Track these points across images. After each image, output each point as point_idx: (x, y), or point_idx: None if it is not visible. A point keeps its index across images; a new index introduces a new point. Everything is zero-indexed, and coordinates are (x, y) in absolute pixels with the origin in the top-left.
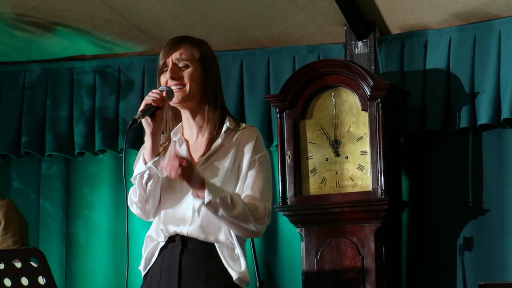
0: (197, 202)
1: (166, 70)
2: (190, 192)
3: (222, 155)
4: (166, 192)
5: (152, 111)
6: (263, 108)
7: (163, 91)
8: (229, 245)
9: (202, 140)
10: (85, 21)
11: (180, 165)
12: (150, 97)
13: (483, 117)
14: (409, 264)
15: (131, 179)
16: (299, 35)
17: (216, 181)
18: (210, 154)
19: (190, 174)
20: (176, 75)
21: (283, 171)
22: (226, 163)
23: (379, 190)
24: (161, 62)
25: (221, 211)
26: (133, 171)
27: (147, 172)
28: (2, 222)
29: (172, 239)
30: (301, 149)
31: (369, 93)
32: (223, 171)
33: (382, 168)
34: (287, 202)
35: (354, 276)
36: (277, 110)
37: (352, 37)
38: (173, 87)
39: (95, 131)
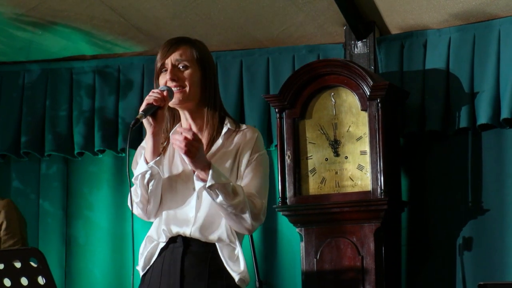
0: (198, 185)
1: (165, 71)
2: (192, 190)
3: (223, 155)
4: (167, 192)
5: (153, 111)
6: (263, 108)
7: (163, 90)
8: (230, 245)
9: (202, 140)
10: (85, 21)
11: (187, 139)
12: (151, 97)
13: (483, 117)
14: (409, 264)
15: (132, 179)
16: (298, 35)
17: None
18: (211, 155)
19: (195, 151)
20: (176, 77)
21: (283, 171)
22: (227, 163)
23: (379, 190)
24: (159, 63)
25: (220, 198)
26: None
27: (149, 172)
28: (5, 223)
29: (174, 240)
30: (300, 149)
31: (368, 93)
32: (225, 171)
33: (381, 168)
34: (286, 202)
35: (353, 276)
36: (276, 110)
37: (352, 37)
38: (173, 89)
39: (94, 131)
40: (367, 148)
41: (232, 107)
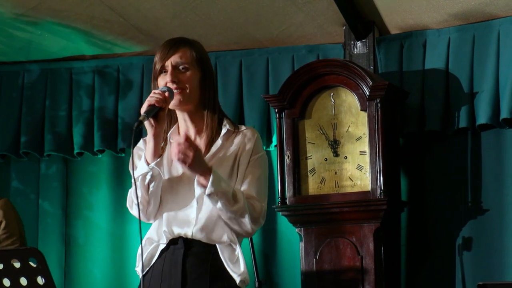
0: (198, 190)
1: (165, 73)
2: (192, 191)
3: (223, 157)
4: (168, 194)
5: (155, 112)
6: (262, 108)
7: (164, 91)
8: (230, 245)
9: (201, 142)
10: (85, 21)
11: (180, 147)
12: (153, 98)
13: (482, 117)
14: (408, 264)
15: (132, 181)
16: (298, 35)
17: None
18: (211, 156)
19: (196, 160)
20: (177, 79)
21: (282, 171)
22: (227, 165)
23: (378, 190)
24: (159, 65)
25: (219, 204)
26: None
27: (149, 173)
28: (4, 222)
29: (174, 241)
30: (300, 149)
31: (368, 93)
32: (224, 173)
33: (381, 168)
34: (286, 202)
35: (353, 276)
36: (276, 110)
37: (351, 37)
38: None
39: (94, 131)
40: (366, 148)
41: (231, 107)
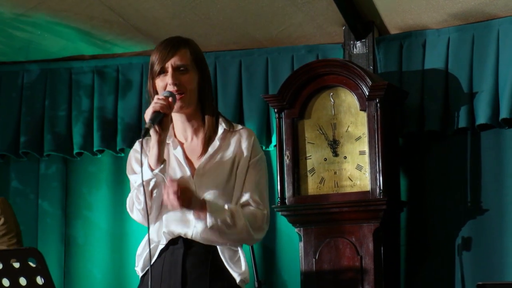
0: (199, 225)
1: (164, 74)
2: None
3: (221, 159)
4: None
5: (160, 119)
6: (262, 108)
7: (168, 97)
8: (231, 247)
9: (198, 141)
10: (84, 21)
11: (177, 195)
12: (157, 104)
13: (482, 117)
14: (408, 264)
15: (137, 186)
16: (297, 35)
17: (219, 182)
18: (209, 157)
19: (189, 201)
20: (178, 81)
21: (282, 171)
22: (225, 167)
23: (378, 190)
24: (158, 66)
25: (223, 233)
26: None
27: (153, 180)
28: (2, 218)
29: (174, 241)
30: (299, 149)
31: (367, 93)
32: (224, 172)
33: (380, 168)
34: (285, 202)
35: (352, 276)
36: (275, 110)
37: (351, 37)
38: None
39: (93, 131)
40: (366, 148)
41: (231, 107)
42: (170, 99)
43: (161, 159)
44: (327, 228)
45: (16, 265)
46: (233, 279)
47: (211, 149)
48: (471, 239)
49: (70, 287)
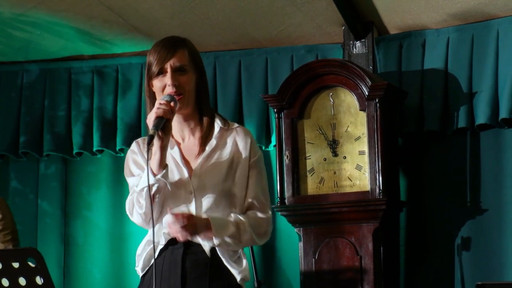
0: (208, 244)
1: (162, 75)
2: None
3: (219, 155)
4: (170, 199)
5: (163, 124)
6: (261, 108)
7: (169, 101)
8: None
9: (195, 140)
10: (83, 21)
11: (185, 228)
12: (160, 110)
13: (481, 117)
14: (407, 264)
15: (138, 190)
16: (297, 35)
17: (216, 182)
18: (206, 156)
19: (195, 227)
20: (177, 82)
21: (281, 171)
22: (223, 164)
23: (377, 190)
24: (156, 67)
25: (229, 246)
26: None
27: (156, 185)
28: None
29: (173, 241)
30: (299, 149)
31: (367, 93)
32: (221, 173)
33: (380, 168)
34: (285, 202)
35: (352, 276)
36: (275, 110)
37: (350, 37)
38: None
39: (93, 131)
40: (365, 148)
41: (230, 107)
42: (172, 103)
43: (163, 164)
44: (326, 228)
45: (16, 265)
46: (233, 278)
47: (208, 148)
48: (470, 239)
49: (69, 287)
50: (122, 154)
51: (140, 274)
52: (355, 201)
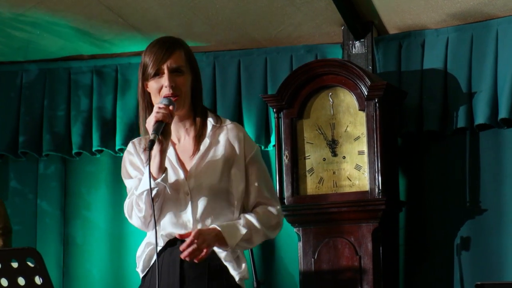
0: (223, 252)
1: (159, 76)
2: (185, 195)
3: (213, 154)
4: (170, 201)
5: (163, 128)
6: (261, 108)
7: (168, 105)
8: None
9: (189, 140)
10: (83, 21)
11: (197, 246)
12: (159, 114)
13: (481, 117)
14: (407, 264)
15: (138, 194)
16: (296, 35)
17: (212, 183)
18: (201, 156)
19: (209, 241)
20: (174, 83)
21: (281, 171)
22: (218, 163)
23: (377, 190)
24: (153, 68)
25: (245, 248)
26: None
27: (156, 189)
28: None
29: (172, 242)
30: (298, 149)
31: (366, 93)
32: (217, 172)
33: (379, 168)
34: (284, 202)
35: (351, 276)
36: (274, 110)
37: (350, 37)
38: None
39: (92, 131)
40: (365, 148)
41: (230, 107)
42: (171, 107)
43: (163, 168)
44: (326, 228)
45: (15, 265)
46: (232, 278)
47: (202, 147)
48: (470, 239)
49: (69, 287)
50: (122, 154)
51: (141, 275)
52: (354, 201)
